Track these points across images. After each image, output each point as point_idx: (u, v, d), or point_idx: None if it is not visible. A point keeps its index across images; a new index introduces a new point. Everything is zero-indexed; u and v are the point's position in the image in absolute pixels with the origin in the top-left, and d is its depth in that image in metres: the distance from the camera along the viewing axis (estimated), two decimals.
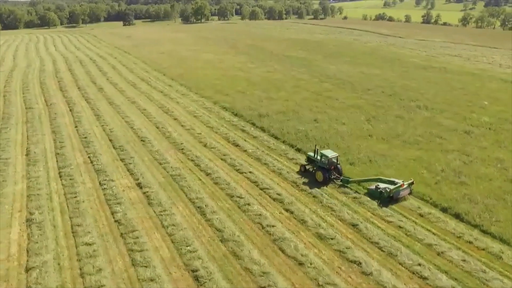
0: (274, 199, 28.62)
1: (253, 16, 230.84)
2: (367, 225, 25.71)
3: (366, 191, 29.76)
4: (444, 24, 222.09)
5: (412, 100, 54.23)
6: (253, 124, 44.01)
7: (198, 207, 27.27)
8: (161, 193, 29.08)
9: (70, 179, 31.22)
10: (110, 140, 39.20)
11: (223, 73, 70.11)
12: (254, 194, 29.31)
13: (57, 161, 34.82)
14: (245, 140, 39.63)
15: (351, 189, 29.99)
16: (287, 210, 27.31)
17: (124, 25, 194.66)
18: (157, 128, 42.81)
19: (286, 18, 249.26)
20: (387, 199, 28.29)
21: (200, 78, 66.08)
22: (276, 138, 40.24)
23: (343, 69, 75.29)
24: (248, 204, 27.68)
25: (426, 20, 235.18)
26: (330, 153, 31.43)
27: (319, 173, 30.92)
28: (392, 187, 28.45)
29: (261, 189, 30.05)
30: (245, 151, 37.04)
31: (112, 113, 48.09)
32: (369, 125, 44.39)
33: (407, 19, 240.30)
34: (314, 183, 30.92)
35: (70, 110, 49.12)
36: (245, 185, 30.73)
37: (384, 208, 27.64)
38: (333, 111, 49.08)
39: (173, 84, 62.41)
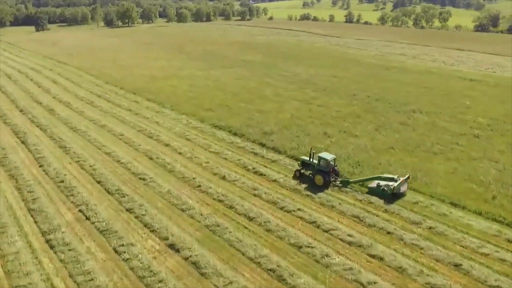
0: (349, 243, 23.54)
1: (180, 18, 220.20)
2: (471, 264, 21.93)
3: (367, 190, 29.60)
4: (366, 23, 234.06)
5: (402, 104, 52.71)
6: (263, 144, 38.17)
7: (270, 270, 21.10)
8: (209, 256, 22.19)
9: (69, 250, 22.68)
10: (99, 182, 30.45)
11: (190, 83, 62.49)
12: (321, 240, 23.91)
13: (35, 221, 25.62)
14: (265, 167, 33.73)
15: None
16: (373, 256, 22.48)
17: (37, 30, 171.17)
18: (151, 159, 34.82)
19: (212, 20, 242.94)
20: (390, 196, 28.36)
21: (167, 90, 57.83)
22: (298, 160, 34.95)
23: (313, 73, 72.27)
24: (327, 256, 22.23)
25: (349, 19, 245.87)
26: (328, 156, 30.93)
27: (319, 177, 30.17)
28: (391, 183, 28.71)
29: (325, 231, 24.76)
30: (275, 181, 31.21)
31: (81, 142, 38.50)
32: (381, 135, 41.35)
33: (331, 18, 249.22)
34: (315, 188, 29.91)
35: (23, 143, 38.44)
36: (303, 227, 25.15)
37: (471, 239, 24.18)
38: (336, 121, 45.24)
39: (139, 100, 53.43)
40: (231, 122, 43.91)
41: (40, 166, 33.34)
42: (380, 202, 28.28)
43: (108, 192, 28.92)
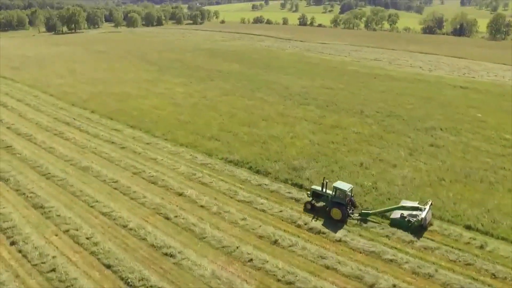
0: None
1: (130, 23, 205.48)
2: None
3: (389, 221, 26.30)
4: (320, 25, 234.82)
5: (417, 120, 48.52)
6: (299, 186, 31.19)
7: None
8: None
9: None
10: (109, 267, 21.67)
11: (173, 102, 53.79)
12: None
13: None
14: (318, 219, 26.87)
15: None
16: None
17: None
18: (168, 219, 26.48)
19: (164, 24, 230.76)
20: (417, 228, 25.35)
21: (150, 113, 48.74)
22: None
23: (302, 84, 66.51)
24: None
25: (303, 22, 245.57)
26: (345, 186, 27.44)
27: (336, 210, 26.70)
28: (415, 213, 25.81)
29: None
30: (340, 241, 24.51)
31: (64, 198, 28.95)
32: (421, 163, 36.34)
33: (285, 21, 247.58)
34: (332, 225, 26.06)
35: None
36: None
37: None
38: (362, 146, 39.62)
39: (119, 127, 43.98)
40: (246, 155, 36.50)
41: (12, 243, 23.67)
42: (490, 267, 22.71)
43: (128, 284, 20.44)
